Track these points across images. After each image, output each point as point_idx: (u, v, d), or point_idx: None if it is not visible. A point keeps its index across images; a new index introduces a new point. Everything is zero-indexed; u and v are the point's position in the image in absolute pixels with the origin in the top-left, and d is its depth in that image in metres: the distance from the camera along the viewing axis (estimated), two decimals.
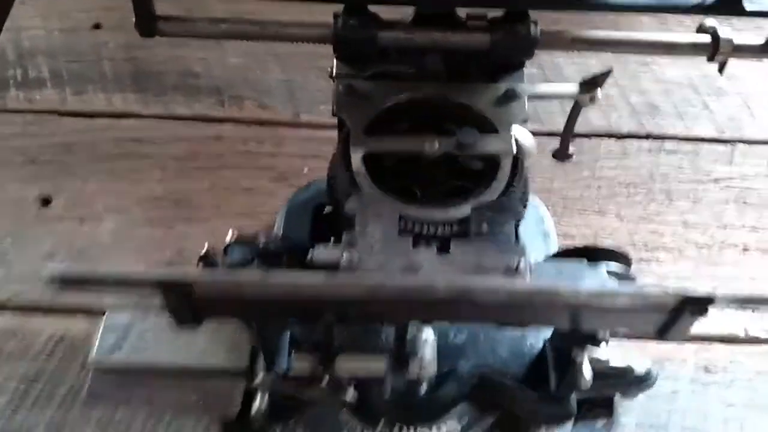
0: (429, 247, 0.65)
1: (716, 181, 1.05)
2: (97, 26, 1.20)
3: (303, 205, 0.92)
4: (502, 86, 0.74)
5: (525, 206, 0.72)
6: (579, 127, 1.01)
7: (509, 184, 0.69)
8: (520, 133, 0.73)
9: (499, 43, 0.72)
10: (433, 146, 0.70)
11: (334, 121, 0.75)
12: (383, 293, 0.55)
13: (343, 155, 0.71)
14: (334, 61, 0.76)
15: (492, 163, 0.71)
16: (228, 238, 0.76)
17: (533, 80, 0.75)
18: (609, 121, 1.10)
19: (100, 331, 0.71)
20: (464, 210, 0.67)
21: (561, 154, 0.84)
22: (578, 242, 0.99)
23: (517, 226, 0.67)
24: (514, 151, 0.71)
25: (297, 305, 0.61)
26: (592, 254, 0.71)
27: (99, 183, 1.03)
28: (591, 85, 0.75)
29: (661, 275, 0.97)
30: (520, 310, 0.59)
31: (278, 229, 0.91)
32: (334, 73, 0.76)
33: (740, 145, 1.09)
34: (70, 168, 1.04)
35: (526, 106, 0.74)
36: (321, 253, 0.65)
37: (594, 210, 1.02)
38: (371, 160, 0.71)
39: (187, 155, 1.05)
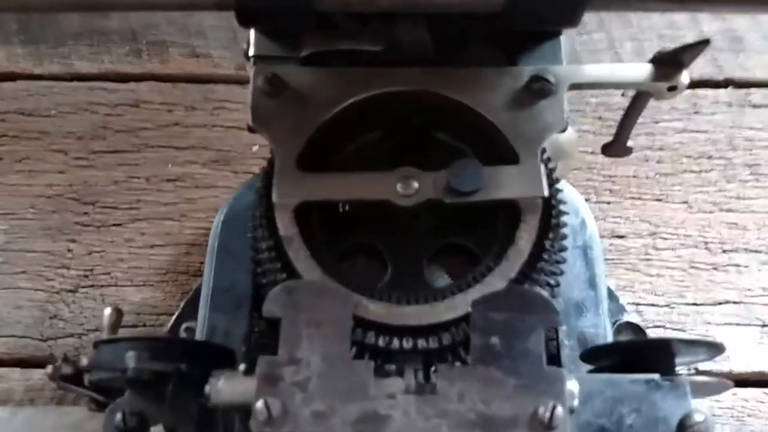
0: (402, 377, 0.39)
1: None
2: None
3: (246, 218, 0.65)
4: (525, 71, 0.45)
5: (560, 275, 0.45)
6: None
7: (537, 251, 0.42)
8: None
9: (521, 4, 0.42)
10: (410, 189, 0.43)
11: None
12: None
13: (264, 209, 0.43)
14: (251, 34, 0.47)
15: (508, 211, 0.44)
16: (105, 317, 0.51)
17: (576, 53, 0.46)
18: None
19: None
20: (459, 307, 0.41)
21: (617, 150, 0.56)
22: (631, 245, 0.72)
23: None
24: (545, 192, 0.43)
25: None
26: (668, 351, 0.45)
27: None
28: (671, 65, 0.46)
29: (742, 290, 0.70)
30: None
31: (211, 255, 0.64)
32: (249, 53, 0.47)
33: None
34: None
35: (566, 105, 0.45)
36: (222, 391, 0.40)
37: (653, 195, 0.74)
38: (309, 210, 0.44)
39: (94, 131, 0.77)
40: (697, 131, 0.77)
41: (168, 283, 0.72)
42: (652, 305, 0.70)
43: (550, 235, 0.42)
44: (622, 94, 0.77)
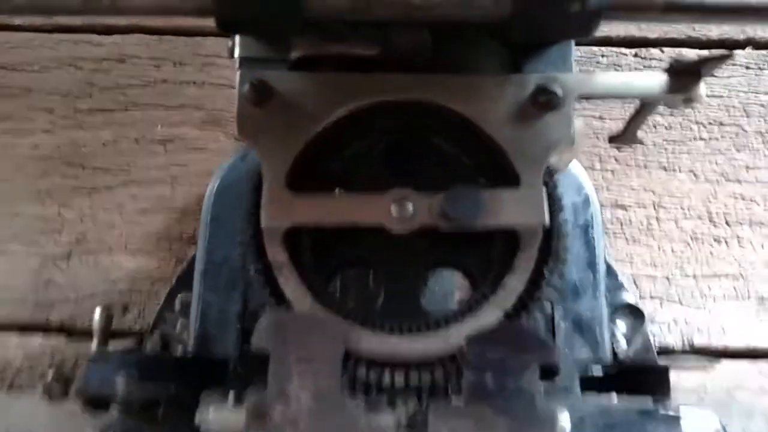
0: (393, 411, 0.39)
1: None
2: None
3: (238, 191, 0.63)
4: (531, 80, 0.42)
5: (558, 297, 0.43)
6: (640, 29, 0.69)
7: (535, 279, 0.41)
8: None
9: (527, 17, 0.38)
10: (404, 213, 0.41)
11: None
12: None
13: (252, 229, 0.42)
14: (236, 36, 0.43)
15: (506, 237, 0.42)
16: (95, 321, 0.50)
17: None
18: None
19: None
20: (453, 339, 0.40)
21: (624, 140, 0.53)
22: (633, 216, 0.70)
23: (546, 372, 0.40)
24: (546, 220, 0.41)
25: None
26: (665, 376, 0.44)
27: None
28: (687, 75, 0.42)
29: (741, 266, 0.69)
30: None
31: (203, 229, 0.62)
32: (235, 55, 0.44)
33: None
34: None
35: (574, 120, 0.42)
36: (212, 423, 0.40)
37: (659, 163, 0.72)
38: (299, 233, 0.42)
39: (80, 89, 0.74)
40: (711, 95, 0.73)
41: (162, 250, 0.71)
42: (650, 277, 0.70)
43: (550, 263, 0.41)
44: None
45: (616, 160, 0.72)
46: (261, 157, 0.42)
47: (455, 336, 0.40)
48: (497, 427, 0.38)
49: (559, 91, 0.41)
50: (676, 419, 0.41)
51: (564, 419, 0.39)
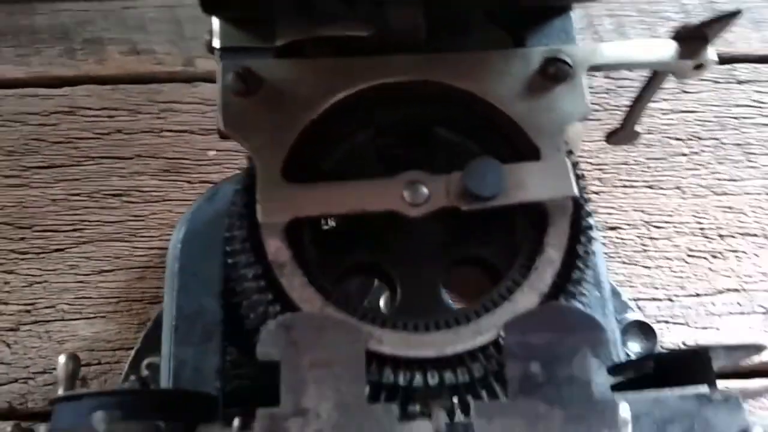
0: (430, 418, 0.33)
1: None
2: None
3: (208, 235, 0.57)
4: (536, 53, 0.39)
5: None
6: None
7: (570, 258, 0.36)
8: None
9: None
10: (419, 197, 0.36)
11: None
12: None
13: (246, 231, 0.36)
14: (214, 22, 0.40)
15: (529, 214, 0.38)
16: (60, 368, 0.43)
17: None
18: (653, 35, 0.75)
19: None
20: (488, 330, 0.35)
21: (624, 137, 0.51)
22: (626, 236, 0.67)
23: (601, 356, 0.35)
24: (575, 191, 0.37)
25: None
26: (707, 360, 0.40)
27: None
28: (695, 41, 0.41)
29: (743, 277, 0.67)
30: None
31: (171, 280, 0.56)
32: (214, 45, 0.40)
33: None
34: None
35: (587, 90, 0.39)
36: None
37: (644, 181, 0.70)
38: (299, 229, 0.37)
39: (27, 144, 0.68)
40: (684, 111, 0.73)
41: (122, 313, 0.63)
42: (653, 299, 0.66)
43: (582, 239, 0.37)
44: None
45: (600, 181, 0.70)
46: (251, 151, 0.37)
47: (490, 326, 0.34)
48: (553, 419, 0.32)
49: (568, 60, 0.39)
50: (736, 401, 0.37)
51: (624, 410, 0.34)
